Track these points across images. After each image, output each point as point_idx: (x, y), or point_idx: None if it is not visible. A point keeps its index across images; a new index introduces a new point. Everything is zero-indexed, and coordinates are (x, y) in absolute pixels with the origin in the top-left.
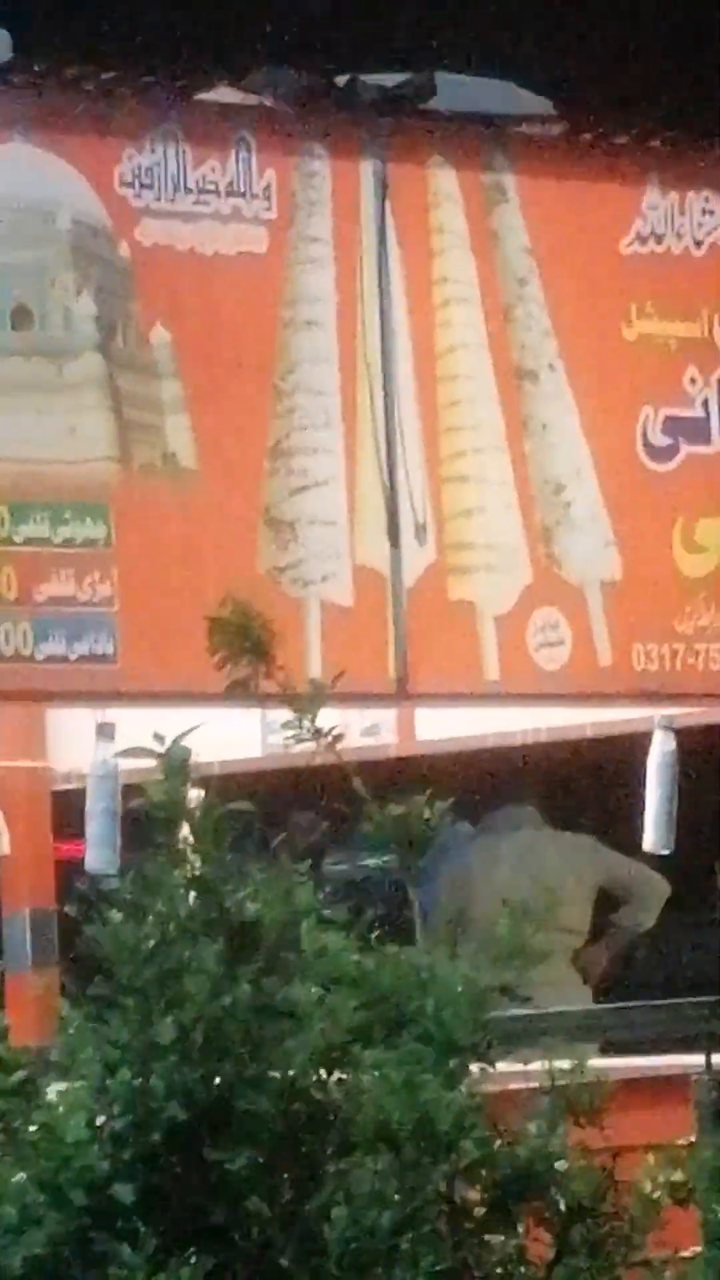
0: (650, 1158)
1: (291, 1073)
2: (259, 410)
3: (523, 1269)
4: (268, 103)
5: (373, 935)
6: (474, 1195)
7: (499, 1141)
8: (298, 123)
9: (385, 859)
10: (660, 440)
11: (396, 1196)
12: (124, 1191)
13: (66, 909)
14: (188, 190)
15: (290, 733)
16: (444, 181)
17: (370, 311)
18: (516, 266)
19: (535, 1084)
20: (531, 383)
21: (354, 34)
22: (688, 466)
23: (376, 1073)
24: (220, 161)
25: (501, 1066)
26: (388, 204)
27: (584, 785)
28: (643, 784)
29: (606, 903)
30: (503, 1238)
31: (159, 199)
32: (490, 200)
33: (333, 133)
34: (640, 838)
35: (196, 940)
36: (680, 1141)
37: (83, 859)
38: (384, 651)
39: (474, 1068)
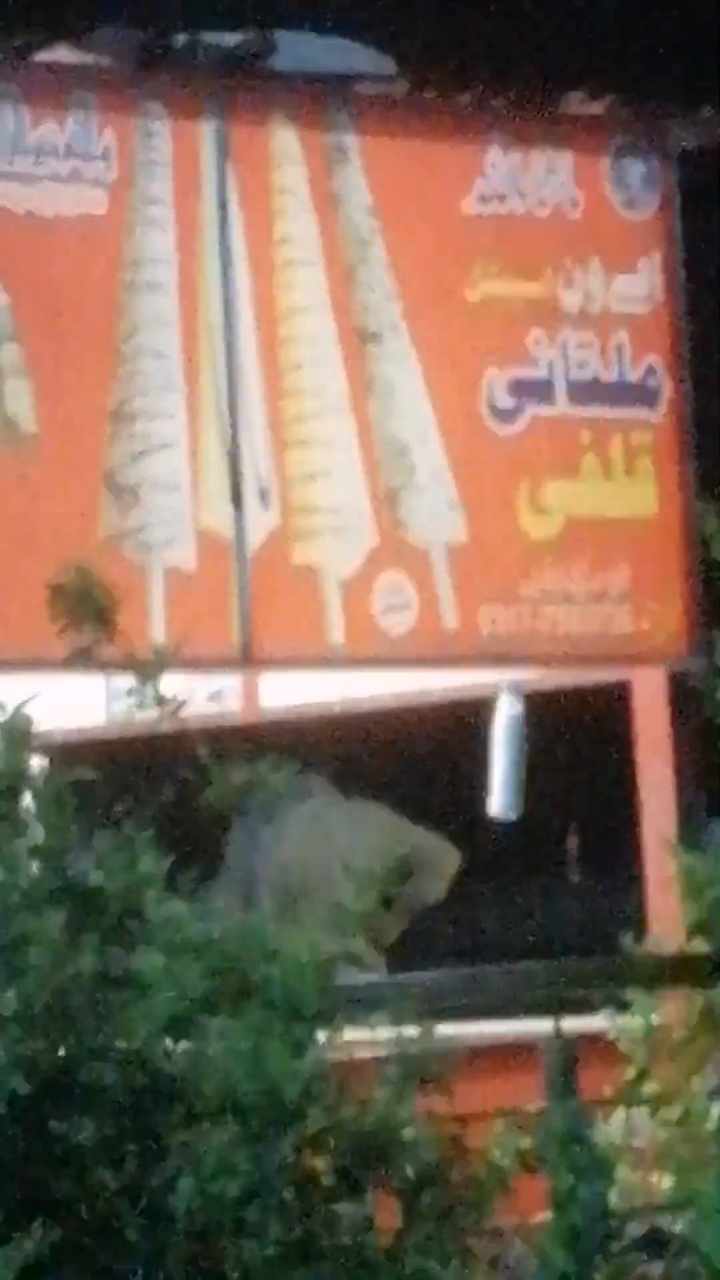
0: (499, 1124)
1: (136, 1043)
2: (100, 374)
3: (371, 1238)
4: (107, 63)
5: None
6: (321, 1164)
7: (346, 1110)
8: (137, 83)
9: None
10: (505, 402)
11: (243, 1167)
12: None
13: None
14: (26, 152)
15: (134, 700)
16: (285, 142)
17: (211, 274)
18: (359, 227)
19: (382, 1052)
20: (375, 344)
21: None
22: (533, 428)
23: (222, 1042)
24: (59, 123)
25: (348, 1034)
26: (228, 165)
27: (430, 751)
28: (490, 749)
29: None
30: (351, 1207)
31: None
32: (332, 160)
33: (173, 93)
34: (487, 803)
35: (39, 910)
36: (529, 1108)
37: None
38: (228, 617)
39: (320, 1035)
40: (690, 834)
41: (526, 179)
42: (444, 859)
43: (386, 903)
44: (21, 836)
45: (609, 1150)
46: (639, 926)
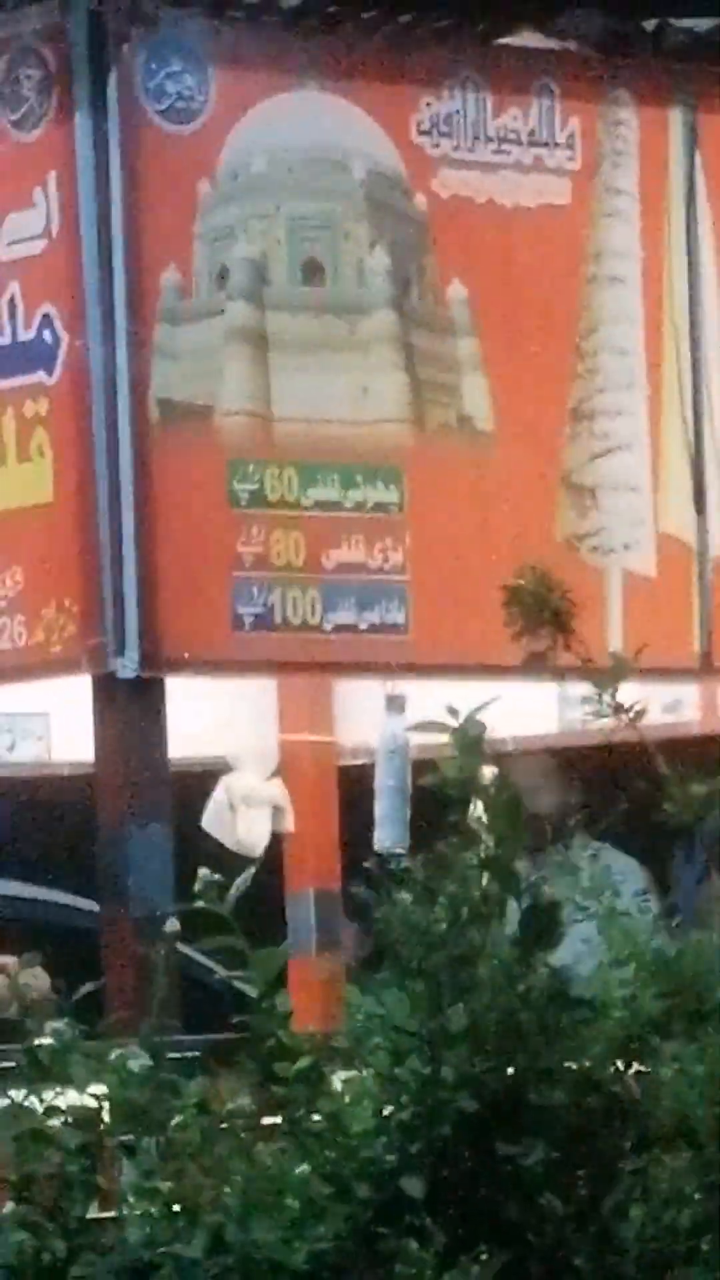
0: None
1: (588, 1064)
2: (559, 371)
3: None
4: (572, 48)
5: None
6: None
7: None
8: (604, 69)
9: None
10: None
11: (696, 1195)
12: (412, 1185)
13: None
14: (488, 139)
15: (590, 708)
16: None
17: (677, 268)
18: None
19: None
20: None
21: None
22: None
23: (676, 1065)
24: (522, 109)
25: None
26: (698, 155)
27: None
28: None
29: None
30: None
31: (457, 148)
32: None
33: (640, 79)
34: None
35: (490, 923)
36: None
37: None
38: (689, 624)
39: None
40: None
41: None
42: None
43: None
44: (472, 847)
45: None
46: None
